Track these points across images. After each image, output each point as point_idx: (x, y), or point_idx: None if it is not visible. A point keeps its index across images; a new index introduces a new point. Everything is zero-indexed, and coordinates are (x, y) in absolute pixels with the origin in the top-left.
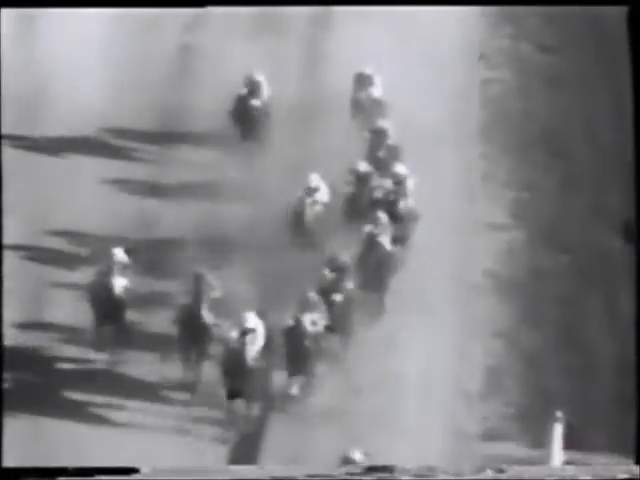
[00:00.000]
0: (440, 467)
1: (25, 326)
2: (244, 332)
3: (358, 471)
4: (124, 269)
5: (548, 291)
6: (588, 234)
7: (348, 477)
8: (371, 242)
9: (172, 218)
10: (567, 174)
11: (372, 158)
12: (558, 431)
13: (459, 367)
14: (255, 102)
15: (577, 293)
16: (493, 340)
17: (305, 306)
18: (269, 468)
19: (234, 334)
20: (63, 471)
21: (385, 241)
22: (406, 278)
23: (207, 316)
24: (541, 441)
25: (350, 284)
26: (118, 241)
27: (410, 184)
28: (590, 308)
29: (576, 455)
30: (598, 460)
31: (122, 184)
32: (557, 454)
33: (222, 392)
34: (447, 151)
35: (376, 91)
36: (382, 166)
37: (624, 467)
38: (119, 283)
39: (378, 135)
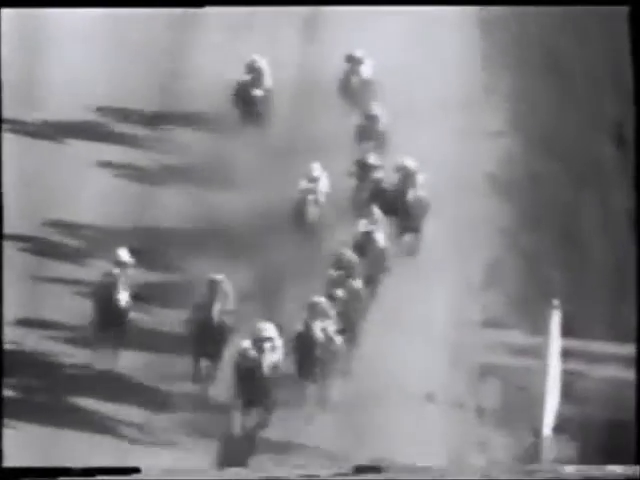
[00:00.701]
0: (433, 467)
1: (21, 323)
2: (259, 341)
3: (348, 471)
4: (129, 270)
5: (545, 193)
6: (583, 141)
7: (338, 477)
8: (366, 237)
9: (171, 206)
10: (563, 87)
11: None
12: (555, 319)
13: (461, 261)
14: (257, 88)
15: (573, 195)
16: (493, 237)
17: (314, 311)
18: (260, 469)
19: (248, 343)
20: (64, 471)
21: (380, 237)
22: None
23: (220, 323)
24: (539, 329)
25: (358, 283)
26: (114, 231)
27: (420, 178)
28: (585, 208)
29: (573, 342)
30: (595, 347)
31: (120, 170)
32: (554, 341)
33: (235, 401)
34: (449, 64)
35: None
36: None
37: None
38: (124, 287)
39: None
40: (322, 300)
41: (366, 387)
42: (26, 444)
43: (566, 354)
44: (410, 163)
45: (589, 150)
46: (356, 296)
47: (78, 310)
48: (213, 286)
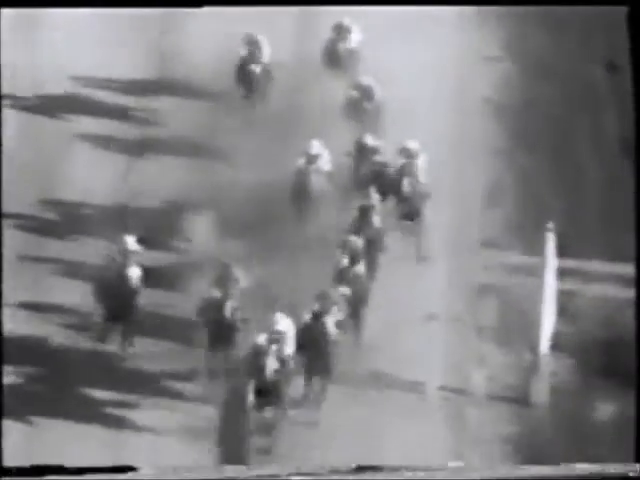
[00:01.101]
0: (432, 466)
1: (21, 307)
2: (274, 334)
3: (347, 470)
4: (136, 258)
5: (540, 116)
6: (576, 67)
7: (337, 477)
8: (362, 219)
9: (170, 182)
10: (557, 16)
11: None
12: (551, 239)
13: (460, 183)
14: (256, 62)
15: (567, 118)
16: (490, 158)
17: (325, 302)
18: (259, 467)
19: (262, 337)
20: (61, 469)
21: (375, 219)
22: (408, 101)
23: (232, 311)
24: (536, 249)
25: (361, 267)
26: (111, 209)
27: (420, 161)
28: (579, 131)
29: (570, 262)
30: (591, 266)
31: (117, 145)
32: (550, 261)
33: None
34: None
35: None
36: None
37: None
38: (133, 276)
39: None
40: (332, 290)
41: (369, 309)
42: (26, 437)
43: (563, 274)
44: (412, 145)
45: (581, 75)
46: (360, 281)
47: (76, 292)
48: (224, 271)
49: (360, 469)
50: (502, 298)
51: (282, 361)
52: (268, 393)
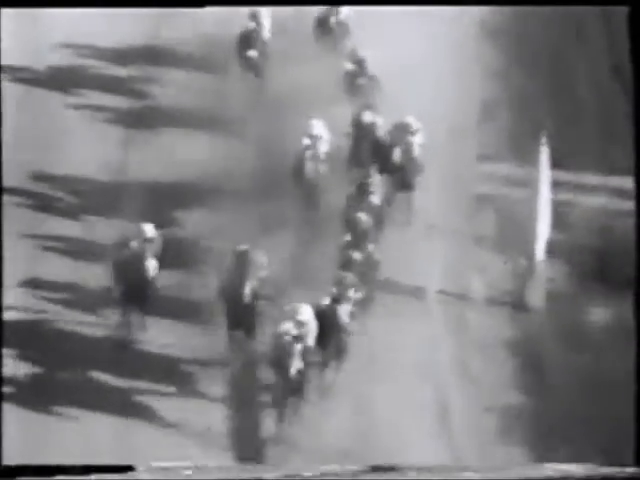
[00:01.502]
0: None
1: (21, 286)
2: (297, 326)
3: (360, 470)
4: (154, 246)
5: (538, 41)
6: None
7: (354, 477)
8: (359, 196)
9: (170, 155)
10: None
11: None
12: (545, 151)
13: (457, 101)
14: (257, 37)
15: (565, 46)
16: (487, 79)
17: (340, 287)
18: (273, 466)
19: (286, 327)
20: (61, 469)
21: (375, 198)
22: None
23: (252, 299)
24: (530, 161)
25: (371, 247)
26: (111, 185)
27: (418, 138)
28: (577, 61)
29: (564, 174)
30: (585, 178)
31: (117, 117)
32: (544, 172)
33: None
34: None
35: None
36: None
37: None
38: (151, 265)
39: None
40: (348, 274)
41: None
42: (27, 424)
43: (558, 185)
44: (411, 120)
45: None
46: (371, 261)
47: (79, 271)
48: (241, 257)
49: (377, 469)
50: (498, 208)
51: (306, 354)
52: (290, 385)
